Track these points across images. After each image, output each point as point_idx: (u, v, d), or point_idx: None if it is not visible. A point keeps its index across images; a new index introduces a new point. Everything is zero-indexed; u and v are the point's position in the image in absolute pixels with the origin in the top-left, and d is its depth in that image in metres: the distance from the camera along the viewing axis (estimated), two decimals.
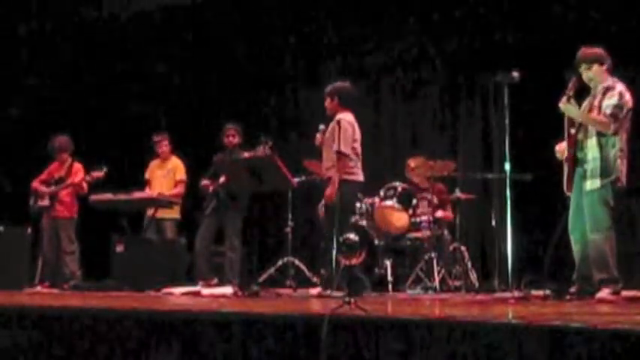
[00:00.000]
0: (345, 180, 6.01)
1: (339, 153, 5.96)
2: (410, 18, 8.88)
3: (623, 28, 7.44)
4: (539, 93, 6.75)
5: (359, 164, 6.16)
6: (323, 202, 6.95)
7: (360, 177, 6.16)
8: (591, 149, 5.12)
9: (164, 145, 8.14)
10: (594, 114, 5.14)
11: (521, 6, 8.11)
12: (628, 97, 5.14)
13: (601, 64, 5.23)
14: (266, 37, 9.66)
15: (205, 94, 9.82)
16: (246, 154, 6.65)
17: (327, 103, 6.27)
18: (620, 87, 5.15)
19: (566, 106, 5.16)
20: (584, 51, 5.29)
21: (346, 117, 6.12)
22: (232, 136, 7.09)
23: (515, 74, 5.47)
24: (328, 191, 6.02)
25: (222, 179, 6.85)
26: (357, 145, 6.13)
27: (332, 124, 6.12)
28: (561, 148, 5.38)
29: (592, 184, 5.09)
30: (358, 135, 6.15)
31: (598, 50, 5.28)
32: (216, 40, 9.83)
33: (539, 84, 6.73)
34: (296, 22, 9.47)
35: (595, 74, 5.22)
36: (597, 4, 7.72)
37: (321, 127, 6.26)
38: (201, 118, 9.36)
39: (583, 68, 5.25)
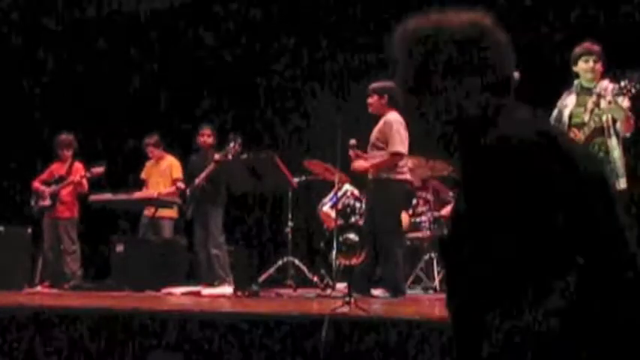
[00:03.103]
0: (396, 179, 5.94)
1: (396, 154, 5.88)
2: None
3: (624, 27, 7.44)
4: (539, 93, 6.74)
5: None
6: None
7: (408, 176, 6.12)
8: (615, 149, 4.99)
9: (152, 150, 8.04)
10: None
11: (522, 6, 8.10)
12: None
13: (604, 64, 5.17)
14: (265, 37, 9.66)
15: (204, 94, 9.80)
16: (216, 156, 6.77)
17: (374, 100, 6.10)
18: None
19: (615, 106, 4.86)
20: (597, 46, 5.12)
21: (397, 117, 5.96)
22: (207, 136, 7.16)
23: (516, 74, 5.41)
24: (361, 163, 5.99)
25: (197, 180, 6.90)
26: (407, 144, 6.03)
27: (380, 124, 6.04)
28: None
29: (622, 183, 4.99)
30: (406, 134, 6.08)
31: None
32: (215, 41, 9.82)
33: (539, 84, 6.72)
34: (295, 22, 9.46)
35: (597, 72, 5.11)
36: (597, 4, 7.71)
37: (352, 141, 6.17)
38: (200, 120, 9.36)
39: (591, 60, 5.07)
